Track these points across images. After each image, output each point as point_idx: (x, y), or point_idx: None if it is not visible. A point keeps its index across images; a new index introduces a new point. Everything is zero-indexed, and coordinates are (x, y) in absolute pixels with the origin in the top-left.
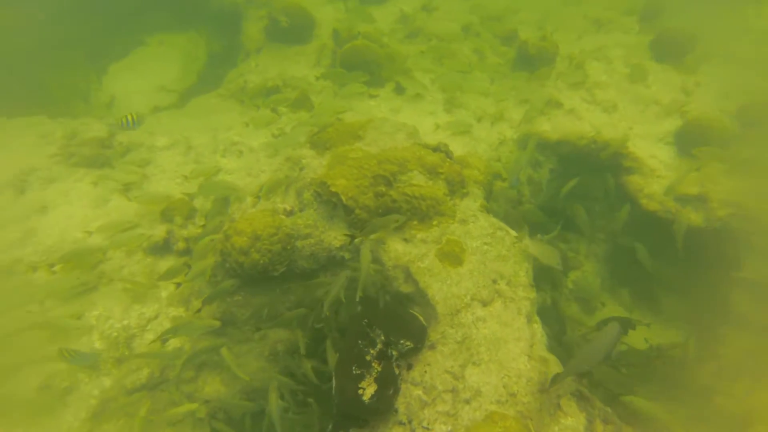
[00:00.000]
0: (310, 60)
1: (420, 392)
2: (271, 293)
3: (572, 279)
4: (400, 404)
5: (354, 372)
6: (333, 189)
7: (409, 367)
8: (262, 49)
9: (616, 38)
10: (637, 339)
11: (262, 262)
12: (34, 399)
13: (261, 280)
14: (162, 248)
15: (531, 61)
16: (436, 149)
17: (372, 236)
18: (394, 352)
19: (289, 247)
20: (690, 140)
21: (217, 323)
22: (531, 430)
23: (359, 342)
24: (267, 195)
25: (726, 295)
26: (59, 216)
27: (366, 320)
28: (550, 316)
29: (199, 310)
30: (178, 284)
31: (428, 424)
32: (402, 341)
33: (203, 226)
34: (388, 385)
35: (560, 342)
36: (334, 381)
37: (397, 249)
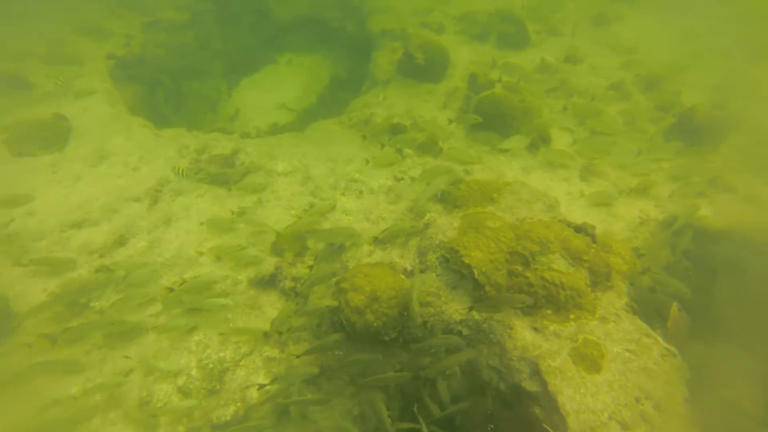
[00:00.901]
0: (439, 100)
1: None
2: (374, 352)
3: None
4: None
5: None
6: (466, 260)
7: None
8: (391, 82)
9: None
10: None
11: (375, 325)
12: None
13: (367, 340)
14: (268, 282)
15: (695, 131)
16: (579, 229)
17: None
18: None
19: (405, 313)
20: None
21: (315, 370)
22: None
23: None
24: (385, 246)
25: None
26: (179, 230)
27: (492, 426)
28: None
29: (297, 356)
30: (281, 333)
31: None
32: None
33: (311, 266)
34: None
35: None
36: None
37: (524, 337)
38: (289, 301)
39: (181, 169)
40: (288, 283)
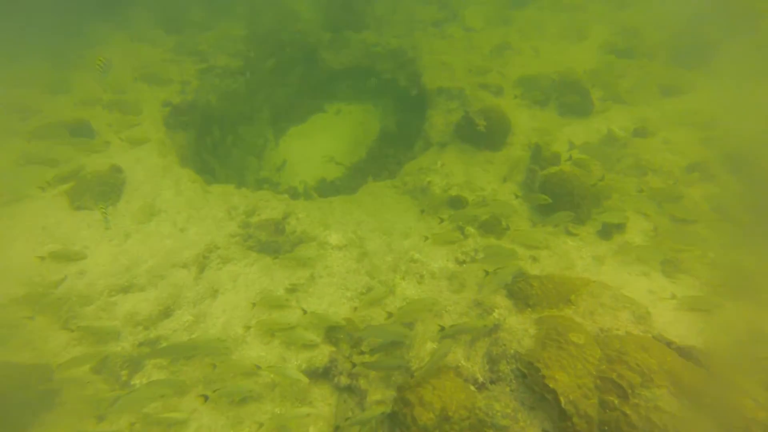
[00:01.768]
0: (500, 171)
1: None
2: None
3: None
4: None
5: None
6: (550, 383)
7: None
8: (447, 145)
9: None
10: None
11: None
12: None
13: None
14: (321, 375)
15: None
16: (684, 353)
17: None
18: None
19: None
20: None
21: None
22: None
23: None
24: (448, 342)
25: None
26: (226, 304)
27: None
28: None
29: None
30: None
31: None
32: None
33: (370, 363)
34: None
35: None
36: None
37: None
38: (342, 400)
39: None
40: (344, 380)
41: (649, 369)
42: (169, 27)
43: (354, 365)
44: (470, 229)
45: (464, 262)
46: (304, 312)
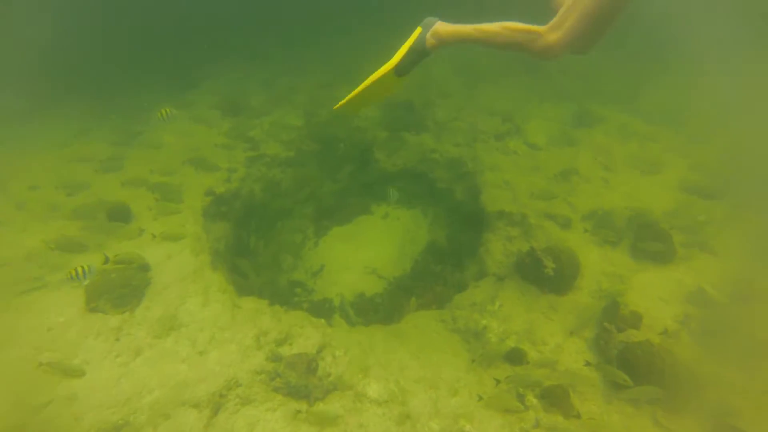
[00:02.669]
0: (566, 321)
1: None
2: None
3: None
4: None
5: None
6: None
7: None
8: (505, 279)
9: None
10: None
11: None
12: None
13: None
14: None
15: None
16: None
17: None
18: None
19: None
20: None
21: None
22: None
23: None
24: None
25: None
26: None
27: None
28: None
29: None
30: None
31: None
32: None
33: None
34: None
35: None
36: None
37: None
38: None
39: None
40: None
41: None
42: (227, 109)
43: None
44: (531, 398)
45: None
46: None
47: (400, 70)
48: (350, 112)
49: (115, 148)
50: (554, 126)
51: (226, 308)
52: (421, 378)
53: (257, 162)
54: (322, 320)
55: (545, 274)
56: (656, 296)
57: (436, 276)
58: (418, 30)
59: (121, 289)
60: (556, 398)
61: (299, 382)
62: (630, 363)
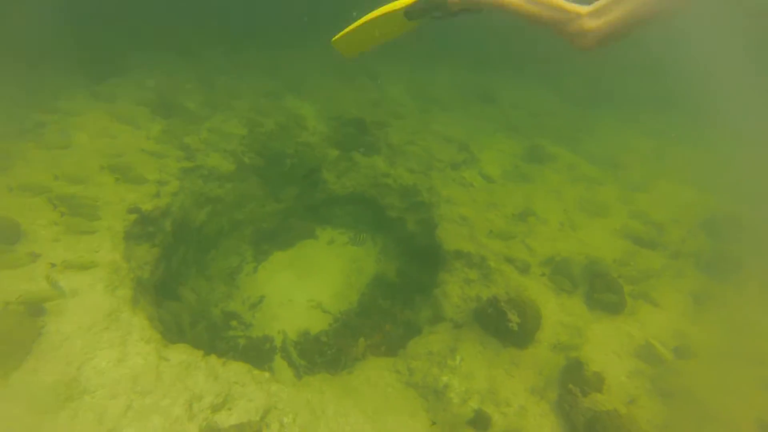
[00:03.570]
0: (527, 377)
1: None
2: None
3: None
4: None
5: None
6: None
7: None
8: (463, 327)
9: None
10: None
11: None
12: None
13: None
14: None
15: None
16: None
17: None
18: None
19: None
20: None
21: None
22: None
23: None
24: None
25: None
26: None
27: None
28: None
29: None
30: None
31: None
32: None
33: None
34: None
35: None
36: None
37: None
38: None
39: None
40: None
41: None
42: (157, 108)
43: None
44: None
45: None
46: None
47: (411, 14)
48: (348, 51)
49: (3, 140)
50: (507, 158)
51: (149, 364)
52: None
53: (192, 174)
54: (266, 374)
55: (508, 328)
56: (611, 350)
57: (385, 313)
58: None
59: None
60: None
61: None
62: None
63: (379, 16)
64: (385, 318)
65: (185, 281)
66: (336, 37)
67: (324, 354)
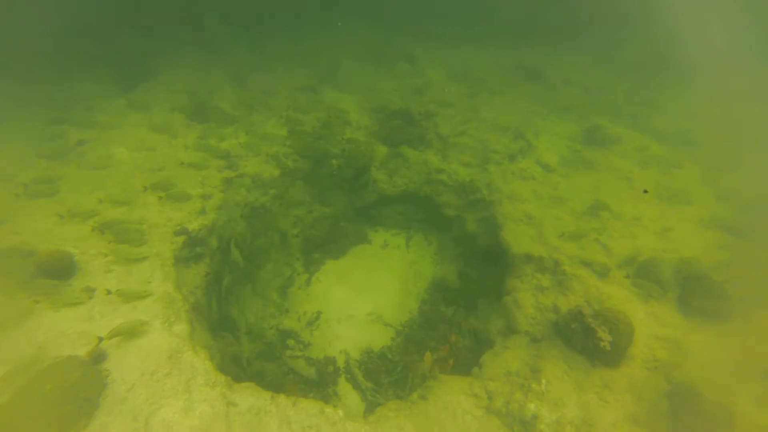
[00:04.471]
0: (623, 402)
1: None
2: None
3: None
4: None
5: None
6: None
7: None
8: (542, 342)
9: None
10: None
11: None
12: None
13: None
14: None
15: None
16: None
17: None
18: None
19: None
20: None
21: None
22: None
23: None
24: None
25: None
26: None
27: None
28: None
29: None
30: None
31: None
32: None
33: None
34: None
35: None
36: None
37: None
38: None
39: None
40: None
41: None
42: (192, 112)
43: None
44: None
45: None
46: None
47: None
48: None
49: (44, 161)
50: (564, 143)
51: (218, 412)
52: None
53: (235, 184)
54: (339, 412)
55: (598, 345)
56: (724, 370)
57: (449, 322)
58: None
59: (62, 407)
60: None
61: None
62: None
63: None
64: (450, 327)
65: (236, 301)
66: None
67: (390, 373)
